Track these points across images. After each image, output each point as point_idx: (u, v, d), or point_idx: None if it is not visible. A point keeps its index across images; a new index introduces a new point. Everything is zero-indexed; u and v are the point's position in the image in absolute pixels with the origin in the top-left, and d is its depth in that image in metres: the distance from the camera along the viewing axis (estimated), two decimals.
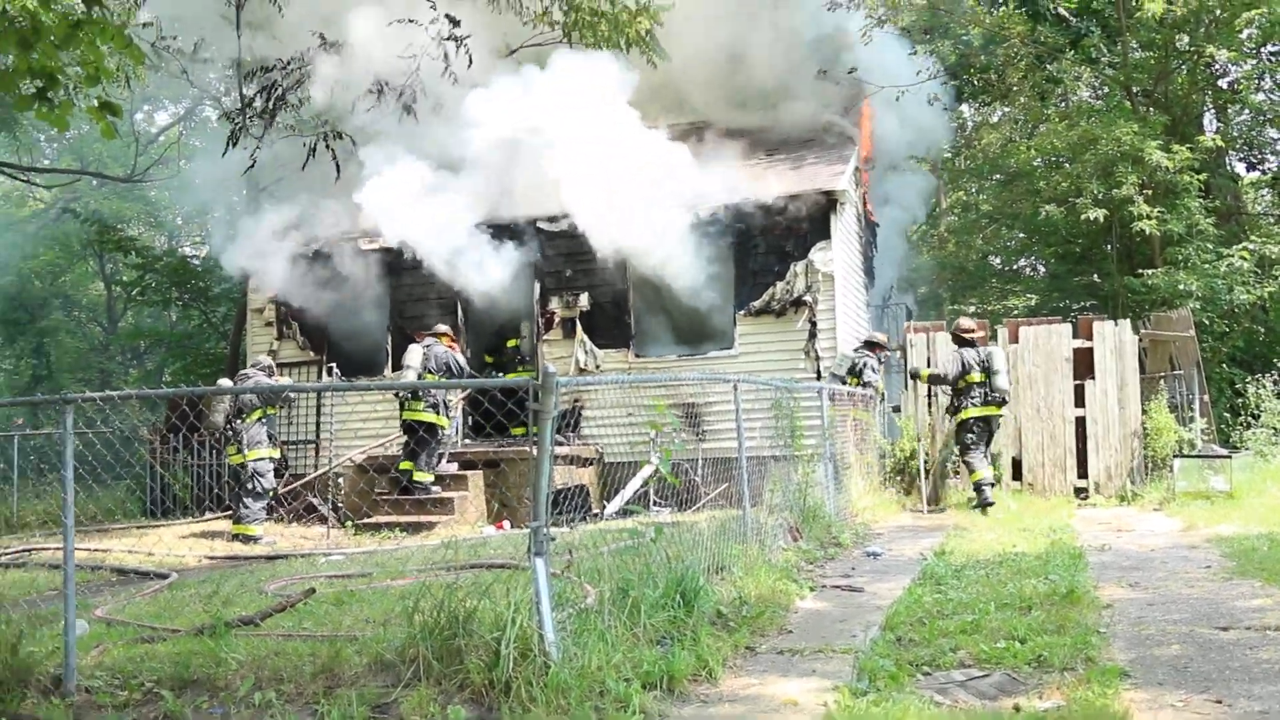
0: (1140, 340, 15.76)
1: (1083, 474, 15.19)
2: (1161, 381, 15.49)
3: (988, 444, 13.99)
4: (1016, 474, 15.50)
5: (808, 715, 4.98)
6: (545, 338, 17.02)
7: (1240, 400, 17.39)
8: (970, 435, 13.73)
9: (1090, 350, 15.17)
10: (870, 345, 15.70)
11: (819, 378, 15.54)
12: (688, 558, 6.96)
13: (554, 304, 17.05)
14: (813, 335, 16.14)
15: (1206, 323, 18.06)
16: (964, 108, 24.48)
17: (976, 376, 13.74)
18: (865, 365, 15.06)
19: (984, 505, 13.32)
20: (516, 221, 16.83)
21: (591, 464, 16.01)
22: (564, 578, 6.34)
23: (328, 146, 10.31)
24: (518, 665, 5.03)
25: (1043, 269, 25.60)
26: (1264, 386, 16.47)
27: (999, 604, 7.13)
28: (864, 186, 19.23)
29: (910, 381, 15.71)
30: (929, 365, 15.32)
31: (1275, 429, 16.15)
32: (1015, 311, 23.42)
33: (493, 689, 5.05)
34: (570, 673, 5.07)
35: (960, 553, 9.88)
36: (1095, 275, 21.96)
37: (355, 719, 4.92)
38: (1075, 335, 15.40)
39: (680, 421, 15.48)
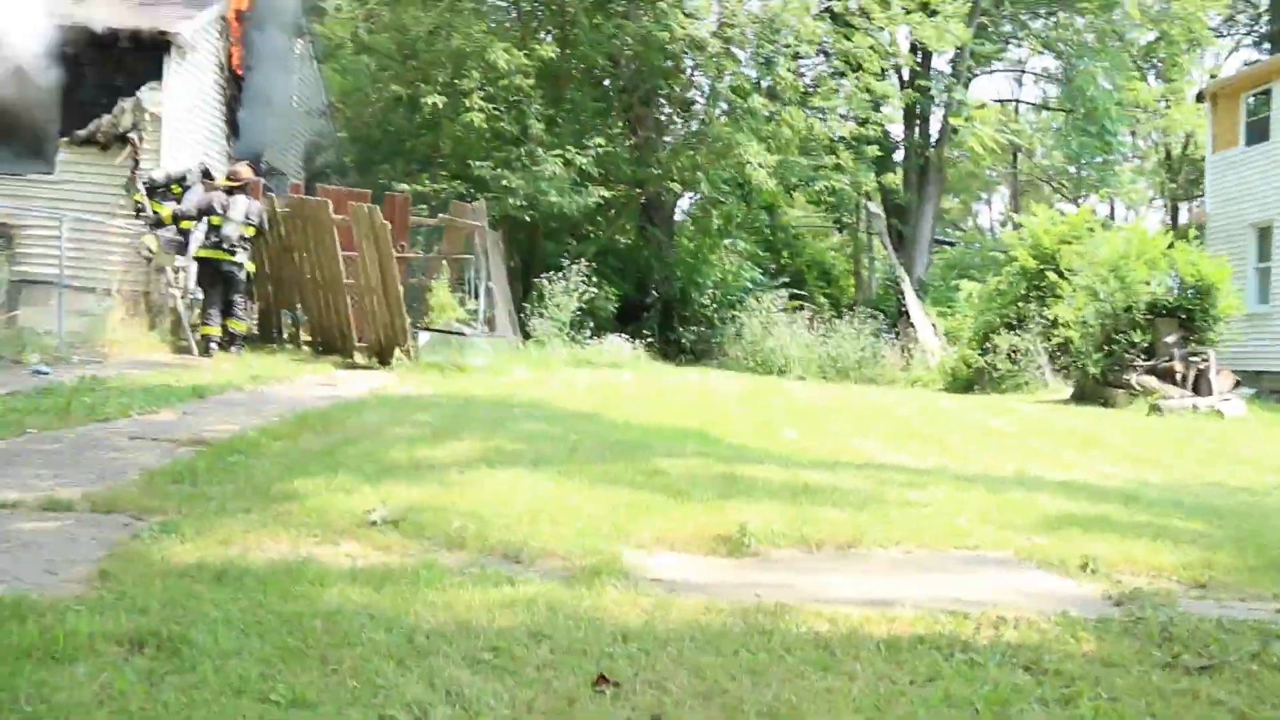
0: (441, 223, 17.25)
1: (362, 340, 16.38)
2: (445, 264, 17.08)
3: (224, 292, 14.64)
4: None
5: None
6: None
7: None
8: (199, 279, 14.47)
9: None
10: (206, 175, 15.87)
11: (138, 215, 15.78)
12: None
13: None
14: (134, 173, 16.26)
15: (528, 220, 19.99)
16: None
17: (217, 220, 14.42)
18: (183, 187, 15.22)
19: (205, 352, 14.14)
20: None
21: None
22: None
23: None
24: None
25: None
26: (554, 282, 18.65)
27: None
28: (235, 39, 19.37)
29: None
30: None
31: (553, 319, 18.39)
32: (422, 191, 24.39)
33: None
34: None
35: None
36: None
37: None
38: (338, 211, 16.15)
39: None
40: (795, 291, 25.99)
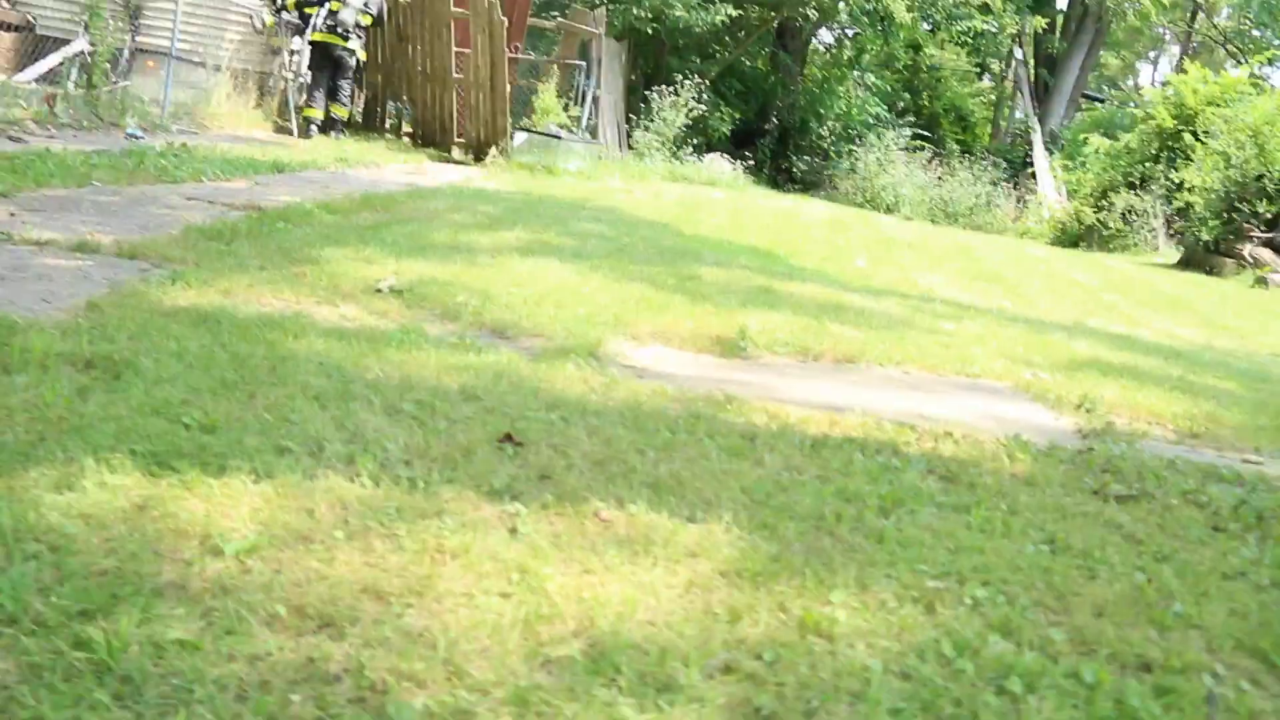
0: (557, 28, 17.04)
1: (461, 135, 16.50)
2: (556, 68, 16.92)
3: (332, 77, 14.76)
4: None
5: None
6: None
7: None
8: (310, 62, 14.58)
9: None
10: None
11: None
12: None
13: None
14: None
15: (651, 33, 19.60)
16: None
17: (336, 5, 14.43)
18: None
19: (305, 134, 14.35)
20: None
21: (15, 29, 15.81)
22: None
23: None
24: None
25: None
26: (664, 97, 18.37)
27: None
28: None
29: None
30: None
31: (658, 133, 18.18)
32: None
33: None
34: None
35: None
36: None
37: None
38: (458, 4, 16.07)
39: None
40: (920, 131, 25.13)
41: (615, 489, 3.00)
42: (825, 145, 24.61)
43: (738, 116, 24.47)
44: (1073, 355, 6.57)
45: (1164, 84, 22.76)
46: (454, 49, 15.34)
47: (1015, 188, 24.85)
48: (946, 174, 23.85)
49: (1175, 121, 19.99)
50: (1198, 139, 18.67)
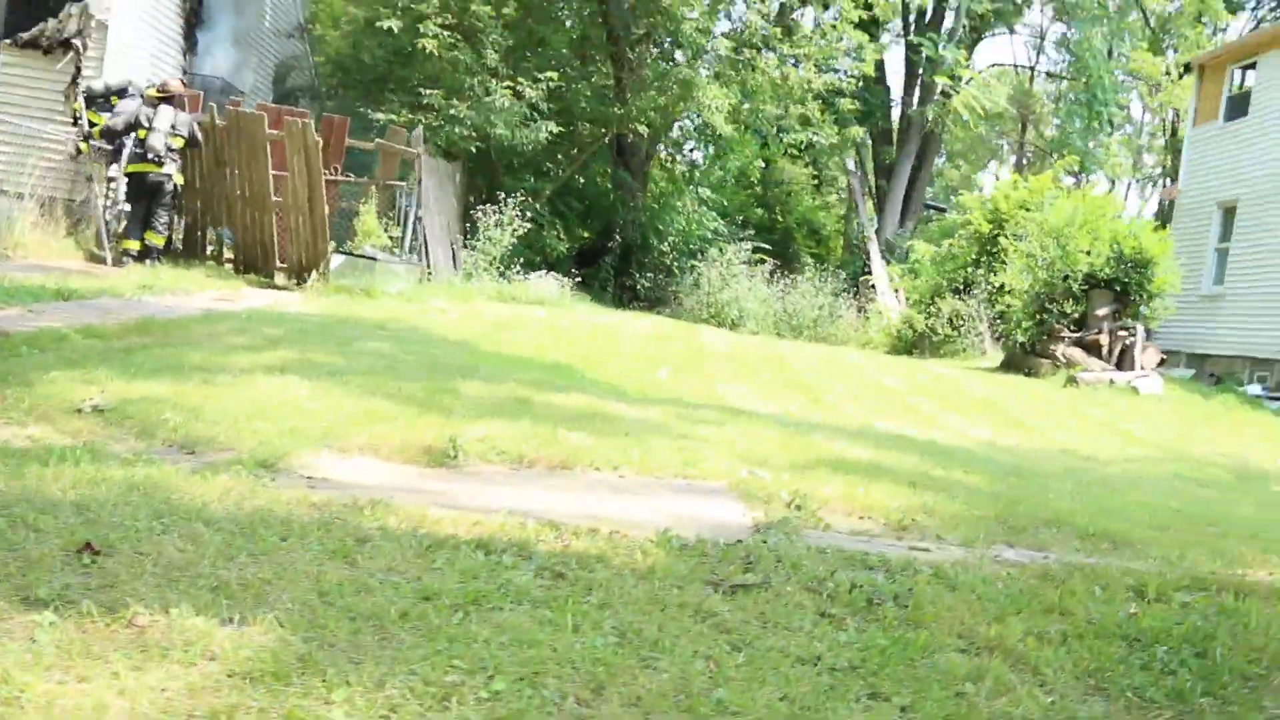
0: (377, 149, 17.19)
1: (283, 260, 16.34)
2: (374, 188, 17.00)
3: (149, 205, 14.57)
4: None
5: None
6: None
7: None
8: (126, 193, 14.42)
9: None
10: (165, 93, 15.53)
11: (75, 123, 15.72)
12: None
13: None
14: (75, 81, 16.22)
15: (475, 150, 19.86)
16: None
17: (143, 133, 14.34)
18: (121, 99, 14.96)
19: (119, 263, 14.10)
20: None
21: None
22: None
23: None
24: None
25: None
26: (489, 216, 18.51)
27: None
28: None
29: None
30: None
31: (484, 253, 18.28)
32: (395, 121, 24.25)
33: None
34: None
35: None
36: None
37: None
38: (274, 126, 16.07)
39: None
40: (760, 245, 25.73)
41: (172, 594, 2.91)
42: (668, 261, 25.02)
43: (583, 234, 24.80)
44: (818, 455, 6.67)
45: (978, 191, 23.72)
46: (272, 172, 15.29)
47: (856, 298, 25.51)
48: (789, 286, 24.39)
49: (991, 226, 20.84)
50: (1012, 242, 19.47)
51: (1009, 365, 17.55)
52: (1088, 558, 4.72)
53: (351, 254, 15.46)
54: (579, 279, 22.35)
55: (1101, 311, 16.87)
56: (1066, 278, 17.06)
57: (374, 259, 15.37)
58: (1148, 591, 3.98)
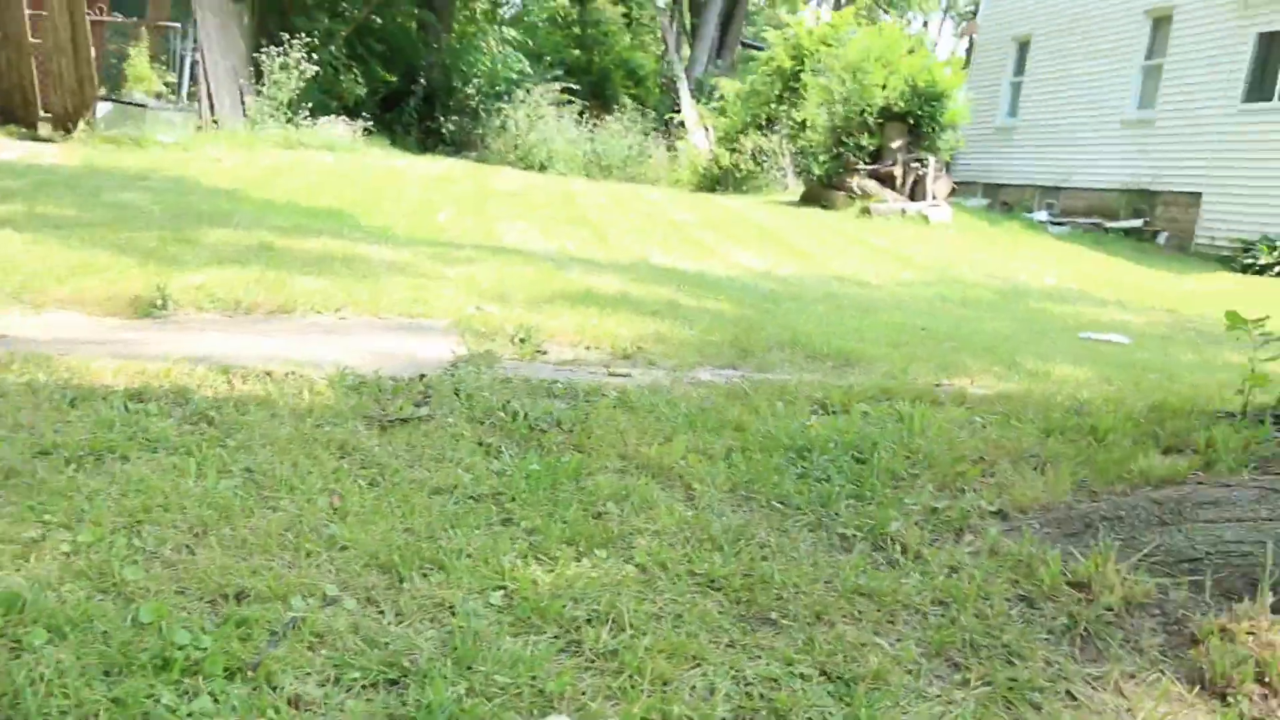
0: None
1: (48, 109, 15.26)
2: (145, 29, 15.92)
3: None
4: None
5: None
6: None
7: None
8: None
9: None
10: None
11: None
12: None
13: None
14: None
15: None
16: None
17: None
18: None
19: None
20: None
21: None
22: None
23: None
24: None
25: None
26: (274, 59, 17.53)
27: None
28: None
29: None
30: None
31: (270, 98, 17.39)
32: None
33: None
34: None
35: None
36: None
37: None
38: None
39: None
40: (569, 85, 25.21)
41: None
42: (474, 104, 24.33)
43: (386, 77, 23.88)
44: (564, 289, 6.60)
45: (782, 26, 23.60)
46: (28, 10, 14.12)
47: (667, 137, 25.34)
48: (599, 127, 24.05)
49: (793, 62, 20.79)
50: (812, 78, 19.47)
51: (808, 199, 17.75)
52: (811, 375, 4.80)
53: (119, 101, 14.51)
54: (380, 124, 21.55)
55: (896, 144, 17.13)
56: (863, 111, 17.21)
57: (144, 105, 14.47)
58: (831, 404, 4.05)
